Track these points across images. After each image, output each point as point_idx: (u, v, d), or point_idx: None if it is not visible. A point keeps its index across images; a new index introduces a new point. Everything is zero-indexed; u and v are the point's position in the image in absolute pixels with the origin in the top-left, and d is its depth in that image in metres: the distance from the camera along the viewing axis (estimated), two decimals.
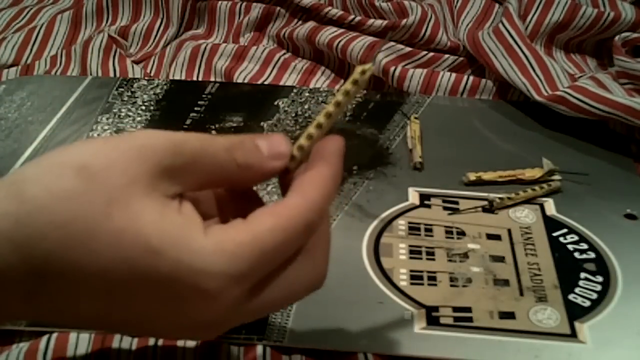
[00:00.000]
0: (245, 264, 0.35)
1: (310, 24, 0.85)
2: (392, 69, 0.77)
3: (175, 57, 0.83)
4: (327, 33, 0.82)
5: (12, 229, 0.34)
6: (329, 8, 0.86)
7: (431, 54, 0.81)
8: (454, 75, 0.77)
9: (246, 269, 0.35)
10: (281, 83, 0.80)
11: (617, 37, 0.75)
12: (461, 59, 0.81)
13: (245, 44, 0.86)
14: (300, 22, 0.88)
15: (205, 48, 0.83)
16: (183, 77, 0.81)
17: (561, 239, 0.58)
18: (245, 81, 0.79)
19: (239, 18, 0.90)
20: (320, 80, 0.81)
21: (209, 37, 0.89)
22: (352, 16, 0.84)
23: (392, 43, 0.81)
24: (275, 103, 0.74)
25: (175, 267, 0.34)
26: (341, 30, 0.83)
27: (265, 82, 0.80)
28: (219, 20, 0.91)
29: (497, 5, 0.86)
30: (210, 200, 0.42)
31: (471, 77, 0.77)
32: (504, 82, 0.75)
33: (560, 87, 0.70)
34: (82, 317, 0.37)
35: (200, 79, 0.81)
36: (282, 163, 0.40)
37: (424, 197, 0.62)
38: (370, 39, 0.80)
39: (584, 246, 0.57)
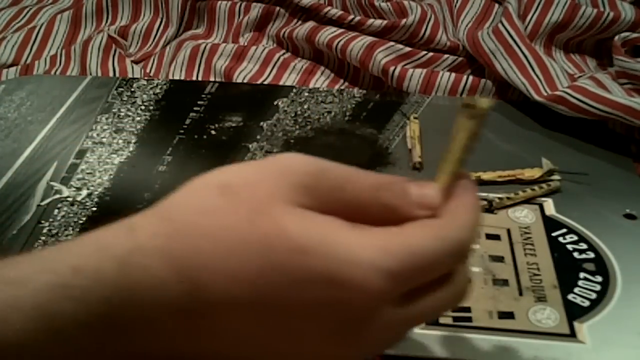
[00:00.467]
0: (396, 261, 0.35)
1: (310, 24, 0.85)
2: (392, 68, 0.77)
3: (175, 56, 0.83)
4: (327, 33, 0.82)
5: (164, 246, 0.35)
6: (329, 8, 0.86)
7: (431, 54, 0.81)
8: (453, 75, 0.77)
9: (396, 267, 0.35)
10: (281, 83, 0.80)
11: (616, 37, 0.75)
12: (461, 58, 0.81)
13: (245, 44, 0.86)
14: (299, 22, 0.88)
15: (205, 48, 0.83)
16: (183, 77, 0.81)
17: (560, 238, 0.58)
18: (245, 81, 0.79)
19: (239, 18, 0.90)
20: (320, 80, 0.81)
21: (209, 37, 0.89)
22: (352, 16, 0.84)
23: (391, 43, 0.81)
24: (275, 103, 0.74)
25: (326, 264, 0.34)
26: (341, 30, 0.83)
27: (265, 82, 0.80)
28: (218, 20, 0.91)
29: (496, 5, 0.86)
30: None
31: (471, 77, 0.77)
32: (503, 82, 0.75)
33: (559, 87, 0.70)
34: (241, 339, 0.36)
35: (199, 78, 0.81)
36: (428, 214, 0.38)
37: None
38: (369, 39, 0.80)
39: (583, 246, 0.57)
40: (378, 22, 0.83)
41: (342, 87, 0.80)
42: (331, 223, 0.35)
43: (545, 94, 0.70)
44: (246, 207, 0.35)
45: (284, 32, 0.85)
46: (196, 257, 0.34)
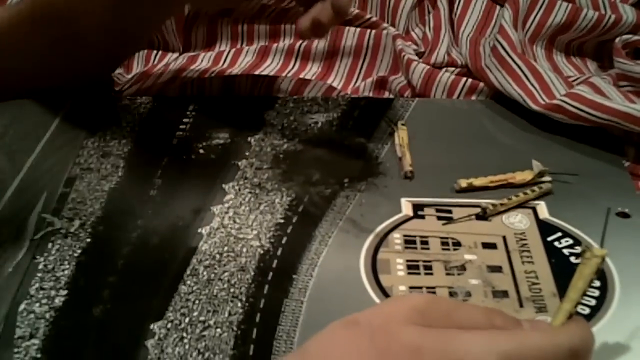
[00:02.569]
0: (510, 344, 0.39)
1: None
2: (403, 54, 0.79)
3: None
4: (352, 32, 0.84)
5: None
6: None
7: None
8: (453, 76, 0.77)
9: (511, 348, 0.39)
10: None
11: (617, 39, 0.76)
12: (459, 70, 0.81)
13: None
14: None
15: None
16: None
17: (556, 243, 0.58)
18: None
19: (241, 43, 0.89)
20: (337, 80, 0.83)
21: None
22: (369, 15, 0.85)
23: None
24: (261, 115, 0.73)
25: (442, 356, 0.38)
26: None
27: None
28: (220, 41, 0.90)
29: (497, 8, 0.86)
30: None
31: (470, 80, 0.77)
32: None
33: (556, 94, 0.70)
34: None
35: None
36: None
37: (417, 208, 0.62)
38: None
39: (579, 250, 0.57)
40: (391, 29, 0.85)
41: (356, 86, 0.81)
42: (446, 329, 0.40)
43: (543, 102, 0.70)
44: (367, 329, 0.40)
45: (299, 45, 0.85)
46: None
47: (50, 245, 0.59)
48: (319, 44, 0.84)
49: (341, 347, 0.40)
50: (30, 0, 0.70)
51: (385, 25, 0.85)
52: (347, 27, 0.84)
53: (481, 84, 0.76)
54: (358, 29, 0.84)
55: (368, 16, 0.85)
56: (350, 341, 0.40)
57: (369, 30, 0.83)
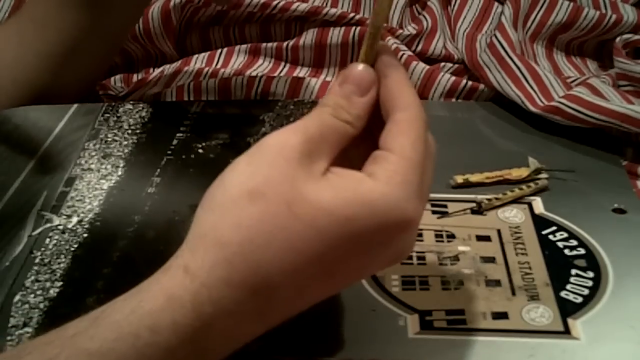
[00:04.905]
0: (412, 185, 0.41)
1: (312, 31, 0.86)
2: (400, 53, 0.79)
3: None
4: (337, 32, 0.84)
5: (227, 274, 0.38)
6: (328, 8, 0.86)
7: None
8: (453, 77, 0.78)
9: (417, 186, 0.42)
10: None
11: (618, 39, 0.76)
12: (457, 65, 0.82)
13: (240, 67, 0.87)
14: (297, 32, 0.89)
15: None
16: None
17: (550, 236, 0.58)
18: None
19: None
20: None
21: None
22: (353, 14, 0.86)
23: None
24: (261, 117, 0.74)
25: (376, 220, 0.40)
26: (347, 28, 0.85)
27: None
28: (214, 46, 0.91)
29: (496, 5, 0.87)
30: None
31: (470, 82, 0.77)
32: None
33: (554, 95, 0.70)
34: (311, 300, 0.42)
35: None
36: (374, 91, 0.44)
37: None
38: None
39: (574, 243, 0.57)
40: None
41: None
42: (353, 182, 0.41)
43: (541, 104, 0.70)
44: (281, 204, 0.39)
45: (287, 45, 0.86)
46: (261, 267, 0.38)
47: (47, 240, 0.60)
48: (306, 42, 0.85)
49: (264, 229, 0.38)
50: None
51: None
52: (331, 27, 0.85)
53: (481, 86, 0.76)
54: (343, 28, 0.84)
55: (352, 14, 0.85)
56: (270, 221, 0.38)
57: (353, 28, 0.84)
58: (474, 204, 0.61)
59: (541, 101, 0.70)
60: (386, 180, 0.40)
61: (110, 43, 0.78)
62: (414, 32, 0.83)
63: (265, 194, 0.39)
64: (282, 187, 0.39)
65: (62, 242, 0.59)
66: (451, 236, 0.58)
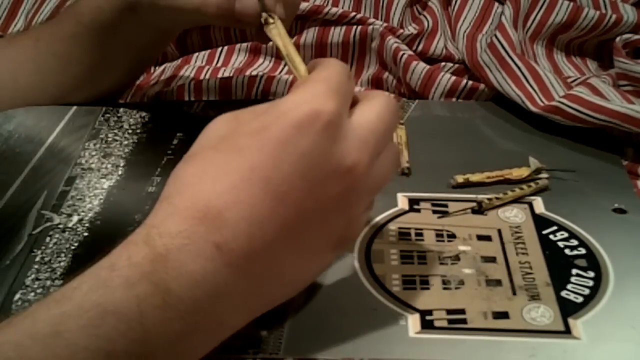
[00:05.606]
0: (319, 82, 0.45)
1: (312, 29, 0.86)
2: (401, 53, 0.79)
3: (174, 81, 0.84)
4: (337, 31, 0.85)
5: (172, 208, 0.43)
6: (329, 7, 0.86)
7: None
8: (453, 77, 0.78)
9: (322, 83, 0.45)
10: None
11: (618, 39, 0.76)
12: (457, 65, 0.82)
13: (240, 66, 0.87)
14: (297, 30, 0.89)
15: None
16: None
17: (551, 236, 0.58)
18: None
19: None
20: None
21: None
22: (353, 13, 0.86)
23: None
24: None
25: (282, 124, 0.43)
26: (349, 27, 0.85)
27: None
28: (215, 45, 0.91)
29: (496, 5, 0.87)
30: None
31: (470, 82, 0.77)
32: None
33: (555, 95, 0.70)
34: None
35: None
36: None
37: (413, 202, 0.62)
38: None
39: (574, 242, 0.57)
40: (378, 23, 0.85)
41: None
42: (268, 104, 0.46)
43: (541, 104, 0.70)
44: (208, 146, 0.45)
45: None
46: (198, 196, 0.42)
47: (48, 239, 0.60)
48: (307, 41, 0.85)
49: (197, 167, 0.44)
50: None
51: (371, 20, 0.85)
52: (332, 27, 0.85)
53: (481, 86, 0.76)
54: (344, 27, 0.85)
55: (353, 14, 0.85)
56: (201, 159, 0.44)
57: (354, 27, 0.84)
58: (474, 204, 0.61)
59: (541, 101, 0.70)
60: (293, 92, 0.45)
61: (129, 75, 0.79)
62: (415, 32, 0.83)
63: (198, 146, 0.46)
64: (213, 136, 0.45)
65: (63, 241, 0.59)
66: (452, 236, 0.58)
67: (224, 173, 0.42)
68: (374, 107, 0.47)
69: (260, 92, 0.81)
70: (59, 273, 0.56)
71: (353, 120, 0.45)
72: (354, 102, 0.47)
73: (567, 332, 0.50)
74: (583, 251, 0.56)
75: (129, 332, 0.38)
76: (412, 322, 0.50)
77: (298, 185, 0.43)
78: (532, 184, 0.62)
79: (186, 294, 0.40)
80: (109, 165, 0.68)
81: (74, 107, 0.77)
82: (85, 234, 0.60)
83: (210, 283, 0.41)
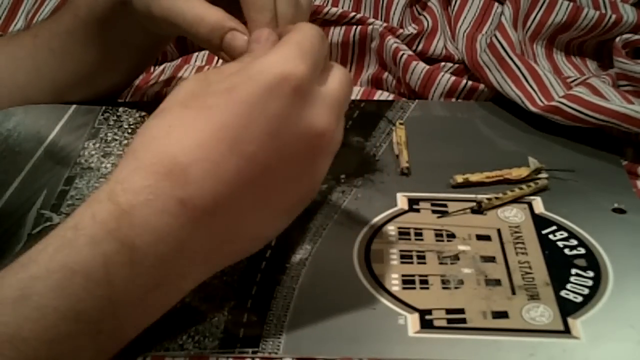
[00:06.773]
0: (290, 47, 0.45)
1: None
2: (401, 53, 0.79)
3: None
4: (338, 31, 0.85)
5: (137, 163, 0.42)
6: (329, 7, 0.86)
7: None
8: (453, 77, 0.77)
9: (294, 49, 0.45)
10: None
11: (617, 39, 0.76)
12: (457, 65, 0.82)
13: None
14: None
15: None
16: None
17: (551, 236, 0.58)
18: None
19: None
20: None
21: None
22: (353, 13, 0.86)
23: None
24: None
25: (250, 87, 0.43)
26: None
27: None
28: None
29: (496, 5, 0.87)
30: None
31: (470, 82, 0.77)
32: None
33: (554, 95, 0.70)
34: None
35: None
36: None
37: (412, 202, 0.62)
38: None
39: (574, 242, 0.57)
40: (378, 23, 0.85)
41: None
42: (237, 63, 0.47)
43: (541, 104, 0.70)
44: (175, 103, 0.45)
45: None
46: (163, 152, 0.42)
47: None
48: None
49: (164, 122, 0.44)
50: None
51: (371, 20, 0.85)
52: (332, 26, 0.85)
53: (481, 86, 0.76)
54: (344, 27, 0.85)
55: (353, 14, 0.85)
56: (167, 114, 0.44)
57: (354, 27, 0.84)
58: (474, 204, 0.61)
59: (541, 101, 0.70)
60: (266, 53, 0.45)
61: (127, 75, 0.78)
62: (415, 32, 0.83)
63: (167, 102, 0.45)
64: (183, 93, 0.45)
65: None
66: (451, 235, 0.58)
67: (191, 130, 0.42)
68: (339, 74, 0.48)
69: None
70: None
71: (321, 86, 0.46)
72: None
73: (566, 331, 0.50)
74: (582, 251, 0.56)
75: (96, 291, 0.39)
76: (412, 321, 0.51)
77: (266, 146, 0.43)
78: (531, 183, 0.62)
79: (151, 250, 0.41)
80: (108, 165, 0.68)
81: (73, 106, 0.77)
82: None
83: (174, 238, 0.41)
